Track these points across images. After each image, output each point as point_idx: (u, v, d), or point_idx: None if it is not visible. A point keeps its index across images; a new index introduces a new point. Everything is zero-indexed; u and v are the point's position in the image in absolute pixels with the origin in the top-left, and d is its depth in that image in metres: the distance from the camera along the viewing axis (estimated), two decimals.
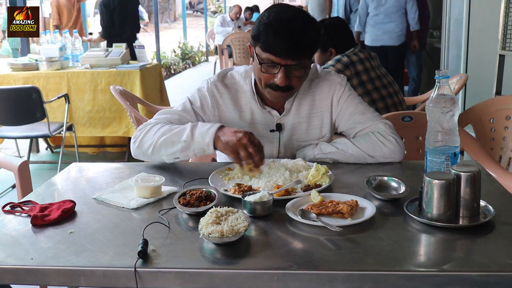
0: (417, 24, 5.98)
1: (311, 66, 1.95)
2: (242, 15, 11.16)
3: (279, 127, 1.94)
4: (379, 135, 1.87)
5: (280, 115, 1.93)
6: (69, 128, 4.43)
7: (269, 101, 1.93)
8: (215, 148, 1.71)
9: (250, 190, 1.57)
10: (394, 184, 1.59)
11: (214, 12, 21.32)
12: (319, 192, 1.52)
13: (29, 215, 1.44)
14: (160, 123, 1.84)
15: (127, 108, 3.56)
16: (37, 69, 4.77)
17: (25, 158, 4.79)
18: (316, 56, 3.17)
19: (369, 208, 1.41)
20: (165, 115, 1.90)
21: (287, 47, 1.72)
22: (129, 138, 4.59)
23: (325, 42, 3.10)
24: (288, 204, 1.44)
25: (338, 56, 3.05)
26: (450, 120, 1.54)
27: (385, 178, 1.61)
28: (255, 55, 1.80)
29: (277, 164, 1.74)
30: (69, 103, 4.35)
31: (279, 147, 1.96)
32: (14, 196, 2.39)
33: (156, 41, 9.25)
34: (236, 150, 1.65)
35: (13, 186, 4.04)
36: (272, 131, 1.94)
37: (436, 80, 1.53)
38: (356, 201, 1.43)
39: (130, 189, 1.63)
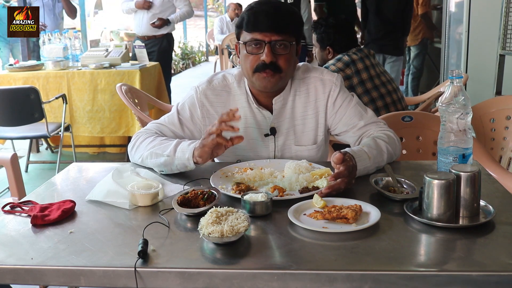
0: None
1: (302, 66, 1.95)
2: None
3: (273, 131, 1.91)
4: (390, 134, 1.87)
5: (272, 115, 1.90)
6: (67, 128, 4.42)
7: (261, 98, 1.90)
8: (195, 162, 1.71)
9: (249, 189, 1.57)
10: (403, 184, 1.59)
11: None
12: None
13: (29, 215, 1.45)
14: (152, 135, 1.86)
15: (132, 108, 3.55)
16: (38, 69, 4.76)
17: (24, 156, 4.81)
18: (316, 51, 3.25)
19: (373, 213, 1.40)
20: (158, 125, 1.92)
21: (269, 20, 1.77)
22: (129, 138, 4.59)
23: (323, 39, 3.14)
24: (290, 210, 1.42)
25: (339, 55, 3.08)
26: (462, 121, 1.52)
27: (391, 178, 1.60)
28: (240, 45, 1.84)
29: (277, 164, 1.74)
30: (66, 103, 4.34)
31: (275, 151, 1.94)
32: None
33: None
34: (213, 138, 1.64)
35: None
36: (266, 135, 1.92)
37: (450, 80, 1.52)
38: (360, 206, 1.41)
39: (117, 189, 1.57)
